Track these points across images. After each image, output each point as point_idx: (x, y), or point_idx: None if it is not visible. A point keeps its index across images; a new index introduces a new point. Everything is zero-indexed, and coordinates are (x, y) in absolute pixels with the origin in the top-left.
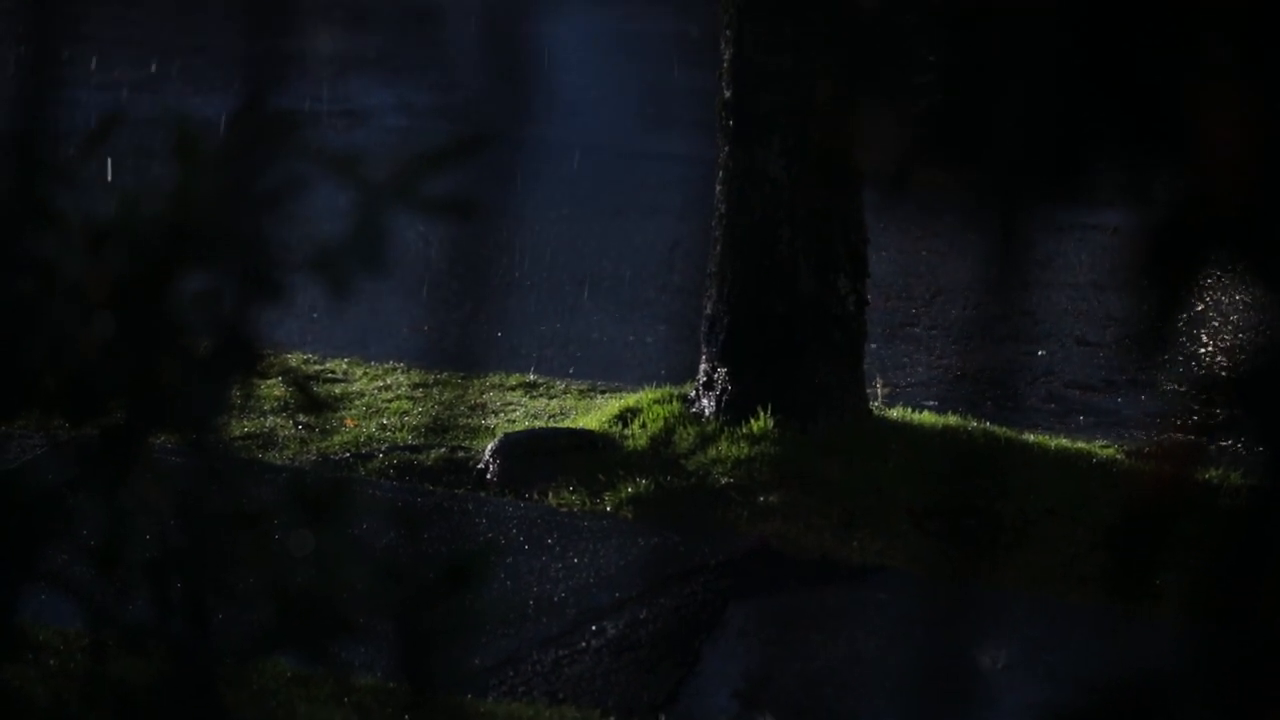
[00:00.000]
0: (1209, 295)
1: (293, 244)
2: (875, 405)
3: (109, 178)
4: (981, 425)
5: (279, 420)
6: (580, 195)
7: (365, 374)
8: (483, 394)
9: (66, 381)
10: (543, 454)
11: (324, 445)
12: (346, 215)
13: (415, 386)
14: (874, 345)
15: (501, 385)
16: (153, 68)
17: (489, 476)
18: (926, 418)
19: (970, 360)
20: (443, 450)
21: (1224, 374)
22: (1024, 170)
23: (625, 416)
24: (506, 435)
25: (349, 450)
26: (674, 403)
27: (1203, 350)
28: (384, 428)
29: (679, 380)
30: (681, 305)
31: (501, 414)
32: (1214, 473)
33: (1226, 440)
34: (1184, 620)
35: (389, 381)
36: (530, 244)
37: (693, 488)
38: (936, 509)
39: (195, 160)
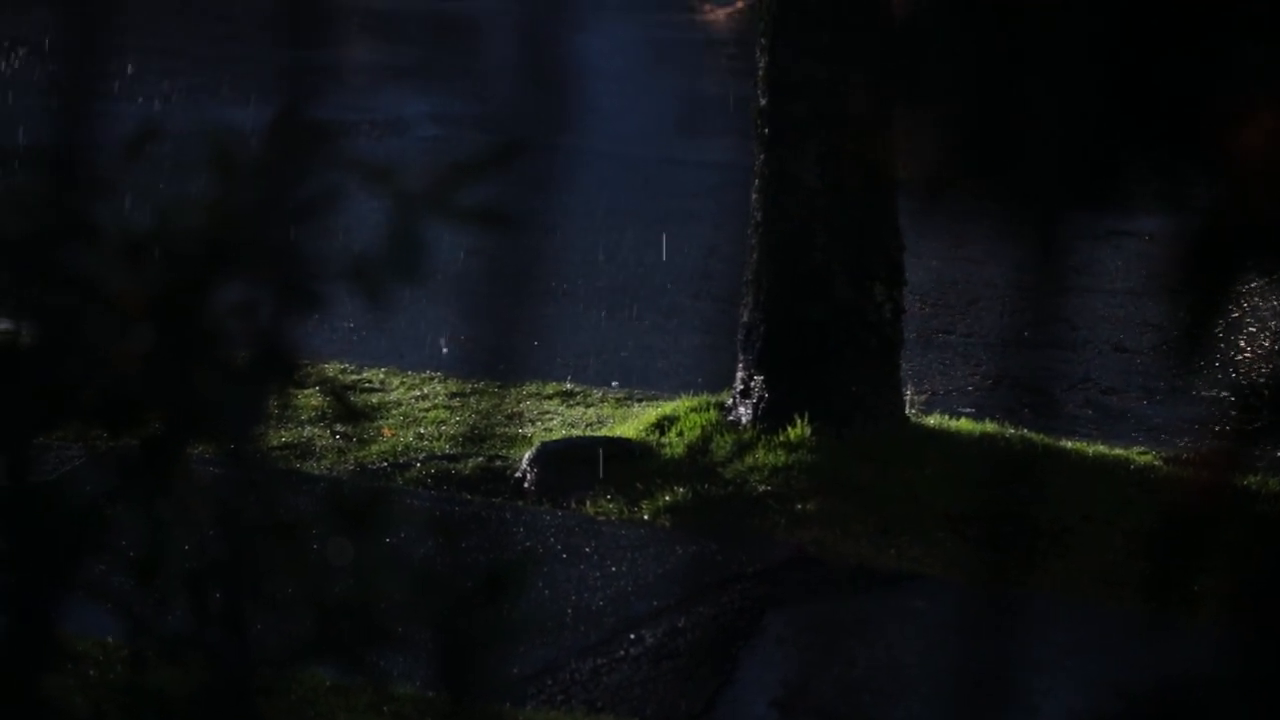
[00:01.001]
0: (1246, 301)
1: (329, 254)
2: (912, 412)
3: (146, 190)
4: (1019, 432)
5: (317, 430)
6: (615, 203)
7: (402, 383)
8: (520, 403)
9: (104, 393)
10: (580, 463)
11: (362, 455)
12: (382, 225)
13: (452, 396)
14: (910, 352)
15: (538, 394)
16: (188, 79)
17: (526, 485)
18: (963, 424)
19: (1007, 367)
20: (480, 459)
21: (1261, 380)
22: (1059, 177)
23: (662, 425)
24: (544, 444)
25: (386, 460)
26: (711, 411)
27: (1240, 356)
28: (421, 437)
29: (716, 388)
30: (718, 313)
31: (538, 423)
32: (1252, 478)
33: (1265, 446)
34: (1222, 626)
35: (426, 391)
36: (565, 252)
37: (730, 496)
38: (974, 516)
39: (231, 171)
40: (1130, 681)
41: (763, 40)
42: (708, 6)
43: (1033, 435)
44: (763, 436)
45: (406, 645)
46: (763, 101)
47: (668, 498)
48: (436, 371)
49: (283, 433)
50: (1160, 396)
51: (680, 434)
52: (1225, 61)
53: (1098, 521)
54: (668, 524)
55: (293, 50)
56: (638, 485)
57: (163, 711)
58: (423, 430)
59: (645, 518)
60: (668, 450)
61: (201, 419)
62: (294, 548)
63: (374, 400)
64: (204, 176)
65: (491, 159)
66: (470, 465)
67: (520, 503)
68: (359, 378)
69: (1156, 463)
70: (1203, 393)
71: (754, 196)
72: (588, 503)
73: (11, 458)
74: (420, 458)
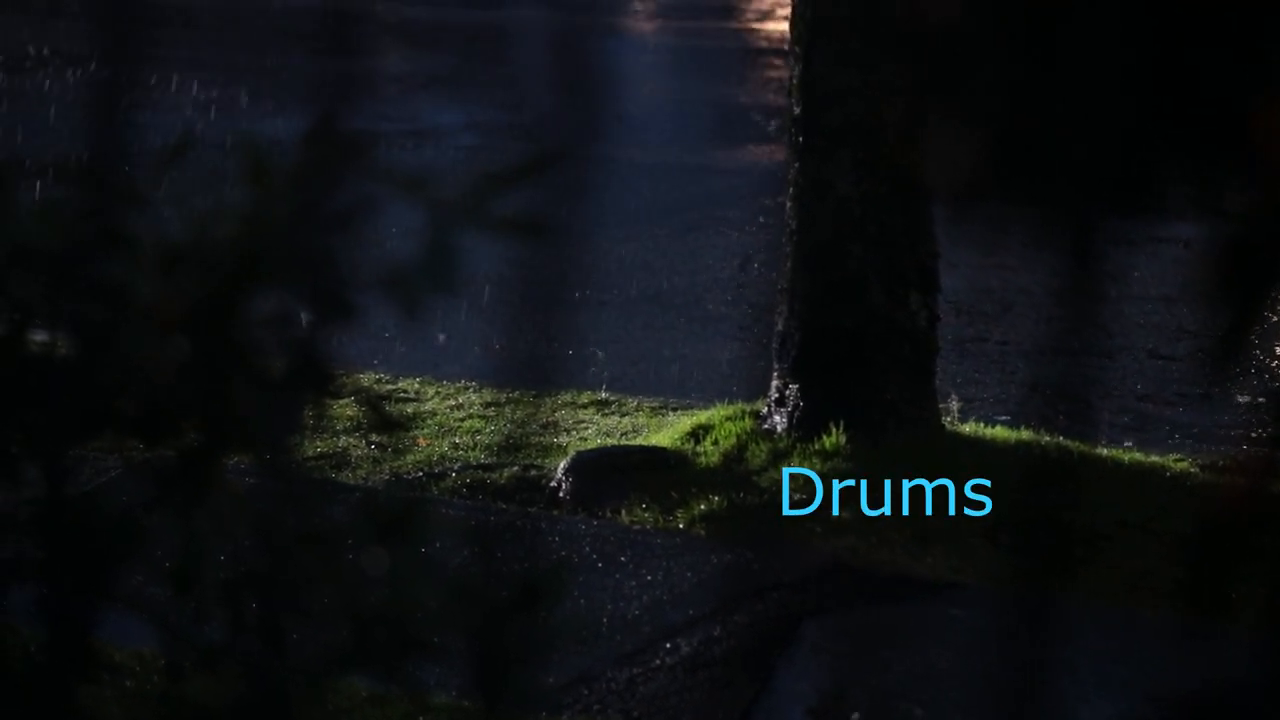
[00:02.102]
0: None
1: (364, 264)
2: (947, 420)
3: (181, 200)
4: (1054, 439)
5: (352, 440)
6: (650, 212)
7: (437, 393)
8: (554, 412)
9: (140, 404)
10: (615, 472)
11: (397, 464)
12: (417, 235)
13: (487, 405)
14: (945, 360)
15: (573, 403)
16: (223, 89)
17: (561, 494)
18: (999, 432)
19: (1043, 374)
20: (515, 469)
21: None
22: (1094, 184)
23: (697, 433)
24: (579, 453)
25: (422, 469)
26: (746, 419)
27: (1276, 363)
28: (456, 447)
29: (751, 397)
30: (753, 321)
31: (573, 432)
32: None
33: None
34: (1260, 633)
35: (461, 400)
36: (600, 261)
37: (765, 504)
38: (1010, 523)
39: (266, 182)
40: (1167, 688)
41: (797, 48)
42: (639, 12)
43: (1068, 442)
44: (798, 445)
45: (442, 654)
46: (797, 110)
47: (703, 506)
48: (471, 381)
49: (318, 442)
50: (1196, 403)
51: (715, 443)
52: (1263, 65)
53: (1134, 528)
54: (703, 533)
55: (328, 60)
56: (673, 494)
57: None
58: (458, 440)
59: (680, 526)
60: (703, 459)
61: (237, 429)
62: (330, 557)
63: (409, 410)
64: (239, 187)
65: (526, 168)
66: (505, 475)
67: (555, 512)
68: (394, 387)
69: (1193, 469)
70: (1239, 399)
71: (788, 205)
72: (623, 512)
73: (49, 468)
74: (455, 467)
